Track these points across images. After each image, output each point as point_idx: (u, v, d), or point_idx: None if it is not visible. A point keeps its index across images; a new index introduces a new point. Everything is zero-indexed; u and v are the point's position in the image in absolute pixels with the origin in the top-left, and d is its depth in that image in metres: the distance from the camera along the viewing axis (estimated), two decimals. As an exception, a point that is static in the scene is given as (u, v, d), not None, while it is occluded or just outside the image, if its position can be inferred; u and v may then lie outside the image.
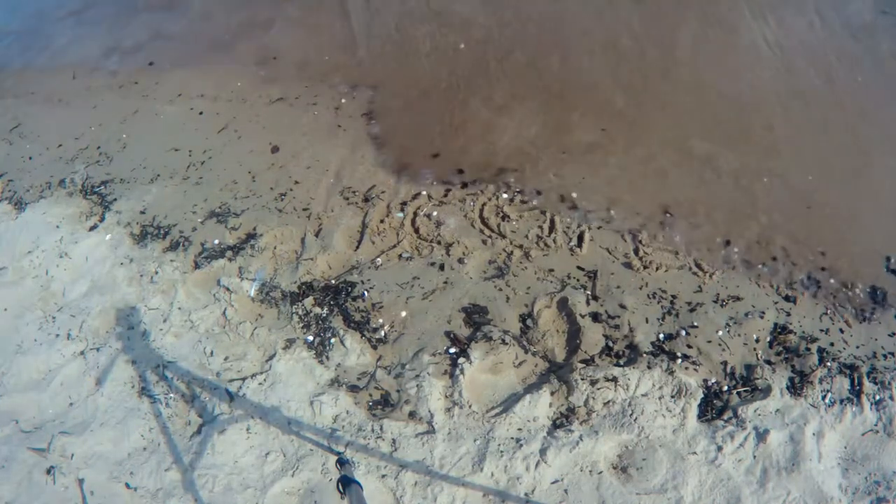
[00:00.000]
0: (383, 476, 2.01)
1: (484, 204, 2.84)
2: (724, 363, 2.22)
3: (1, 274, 2.86)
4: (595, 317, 2.37)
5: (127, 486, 2.09)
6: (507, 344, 2.28)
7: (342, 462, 1.65)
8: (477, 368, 2.24)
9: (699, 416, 2.09)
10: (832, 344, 2.27)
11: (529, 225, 2.73)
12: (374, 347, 2.37)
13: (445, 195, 2.90)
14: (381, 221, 2.81)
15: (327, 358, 2.35)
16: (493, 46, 3.68)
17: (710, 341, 2.28)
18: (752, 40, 3.51)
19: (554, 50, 3.58)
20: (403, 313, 2.46)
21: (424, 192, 2.92)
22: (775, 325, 2.33)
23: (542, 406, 2.12)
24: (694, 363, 2.22)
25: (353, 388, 2.25)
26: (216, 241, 2.83)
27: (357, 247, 2.73)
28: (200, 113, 3.62)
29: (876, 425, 2.05)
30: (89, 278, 2.78)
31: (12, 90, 4.28)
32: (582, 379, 2.15)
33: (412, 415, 2.13)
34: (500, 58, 3.60)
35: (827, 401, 2.10)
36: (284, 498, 2.03)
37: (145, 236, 2.93)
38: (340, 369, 2.32)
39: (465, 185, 2.94)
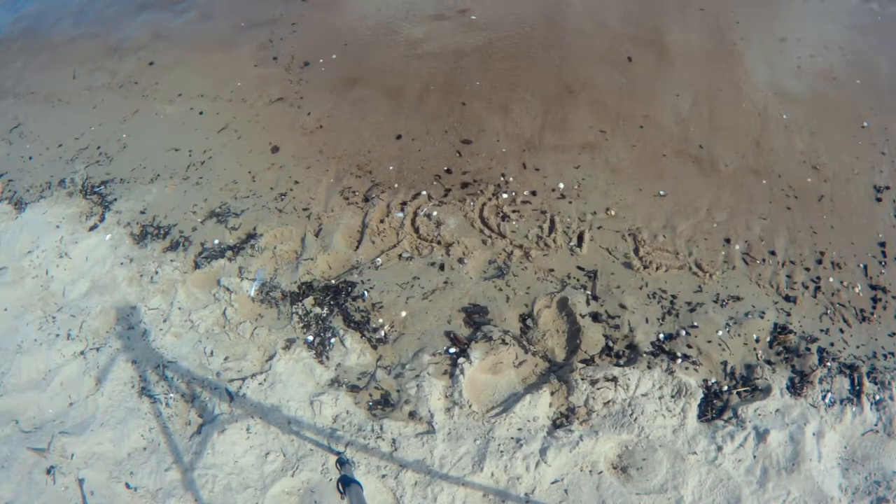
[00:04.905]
0: (383, 476, 2.00)
1: (484, 204, 2.84)
2: (724, 363, 2.22)
3: (1, 274, 2.86)
4: (595, 317, 2.37)
5: (127, 486, 2.09)
6: (507, 344, 2.28)
7: (342, 462, 1.65)
8: (477, 368, 2.24)
9: (699, 416, 2.09)
10: (832, 344, 2.27)
11: (529, 225, 2.73)
12: (374, 347, 2.37)
13: (445, 195, 2.90)
14: (381, 221, 2.81)
15: (327, 358, 2.35)
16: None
17: (710, 341, 2.28)
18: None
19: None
20: (403, 313, 2.46)
21: (424, 192, 2.92)
22: (775, 325, 2.33)
23: (542, 406, 2.11)
24: (694, 363, 2.22)
25: (353, 388, 2.25)
26: (216, 241, 2.83)
27: (357, 247, 2.73)
28: (200, 113, 3.62)
29: (876, 425, 2.05)
30: (89, 278, 2.78)
31: (12, 90, 4.27)
32: (582, 379, 2.15)
33: (412, 415, 2.13)
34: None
35: (827, 401, 2.10)
36: (284, 498, 2.03)
37: (145, 236, 2.93)
38: (340, 369, 2.32)
39: (464, 185, 2.94)
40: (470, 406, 2.14)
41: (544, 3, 3.95)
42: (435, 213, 2.81)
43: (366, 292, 2.54)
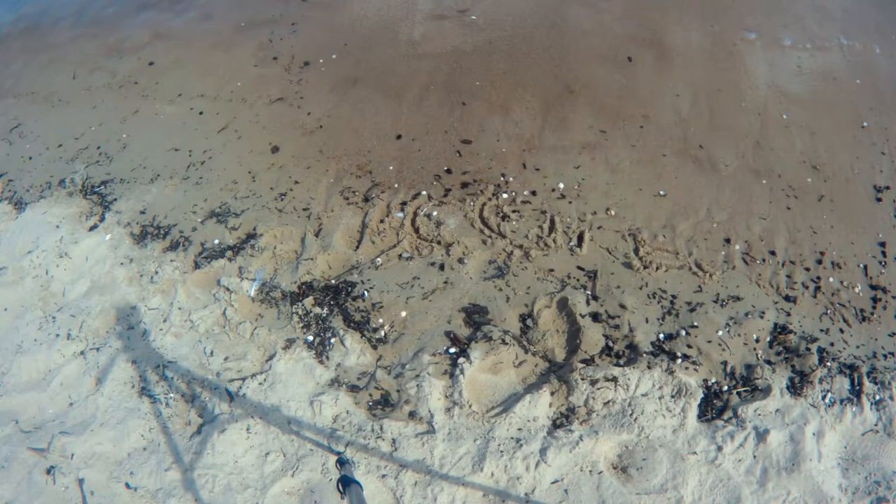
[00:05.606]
0: (383, 476, 2.01)
1: (484, 204, 2.84)
2: (724, 363, 2.22)
3: (1, 274, 2.86)
4: (595, 317, 2.37)
5: (127, 486, 2.09)
6: (507, 344, 2.28)
7: (342, 462, 1.65)
8: (477, 368, 2.24)
9: (699, 416, 2.09)
10: (832, 344, 2.27)
11: (529, 225, 2.73)
12: (374, 347, 2.37)
13: (445, 195, 2.90)
14: (381, 221, 2.81)
15: (327, 358, 2.35)
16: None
17: (710, 341, 2.28)
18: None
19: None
20: (403, 313, 2.46)
21: (424, 192, 2.92)
22: (775, 325, 2.33)
23: (542, 406, 2.11)
24: (694, 363, 2.22)
25: (353, 388, 2.25)
26: (216, 241, 2.83)
27: (357, 247, 2.73)
28: (200, 113, 3.62)
29: (876, 425, 2.05)
30: (89, 278, 2.78)
31: (12, 90, 4.28)
32: (582, 379, 2.15)
33: (412, 415, 2.13)
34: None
35: (827, 401, 2.10)
36: (284, 498, 2.03)
37: (145, 236, 2.93)
38: (340, 369, 2.32)
39: (464, 185, 2.94)
40: (470, 406, 2.14)
41: (544, 4, 3.95)
42: (435, 213, 2.81)
43: (366, 292, 2.54)
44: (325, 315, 2.48)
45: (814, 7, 3.84)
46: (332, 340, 2.39)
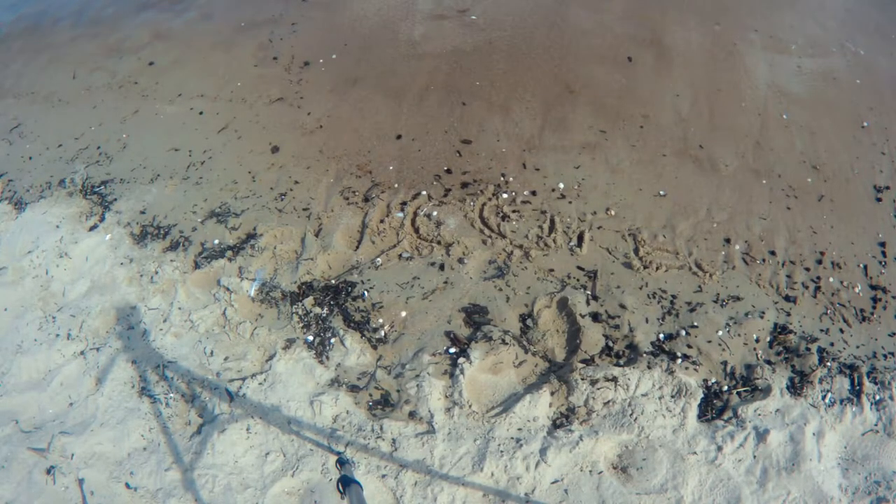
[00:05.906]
0: (383, 476, 2.01)
1: (484, 204, 2.84)
2: (724, 363, 2.22)
3: (1, 274, 2.86)
4: (595, 317, 2.37)
5: (127, 486, 2.09)
6: (507, 344, 2.28)
7: (342, 462, 1.65)
8: (477, 368, 2.24)
9: (699, 416, 2.09)
10: (832, 344, 2.27)
11: (529, 225, 2.73)
12: (374, 347, 2.37)
13: (445, 195, 2.90)
14: (381, 221, 2.81)
15: (327, 358, 2.35)
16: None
17: (710, 341, 2.28)
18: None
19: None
20: (403, 313, 2.46)
21: (424, 192, 2.92)
22: (775, 325, 2.33)
23: (542, 406, 2.11)
24: (694, 363, 2.22)
25: (353, 388, 2.25)
26: (216, 241, 2.83)
27: (357, 247, 2.73)
28: (200, 113, 3.62)
29: (876, 425, 2.06)
30: (89, 278, 2.78)
31: (12, 90, 4.28)
32: (582, 379, 2.15)
33: (412, 415, 2.13)
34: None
35: (827, 401, 2.10)
36: (284, 498, 2.03)
37: (145, 236, 2.93)
38: (340, 369, 2.32)
39: (464, 185, 2.94)
40: (470, 406, 2.14)
41: (544, 4, 3.95)
42: (435, 213, 2.81)
43: (366, 292, 2.54)
44: (325, 315, 2.48)
45: (814, 7, 3.85)
46: (332, 340, 2.39)
